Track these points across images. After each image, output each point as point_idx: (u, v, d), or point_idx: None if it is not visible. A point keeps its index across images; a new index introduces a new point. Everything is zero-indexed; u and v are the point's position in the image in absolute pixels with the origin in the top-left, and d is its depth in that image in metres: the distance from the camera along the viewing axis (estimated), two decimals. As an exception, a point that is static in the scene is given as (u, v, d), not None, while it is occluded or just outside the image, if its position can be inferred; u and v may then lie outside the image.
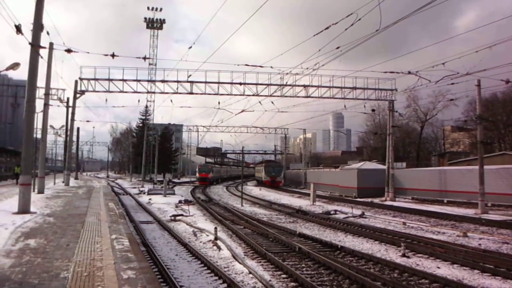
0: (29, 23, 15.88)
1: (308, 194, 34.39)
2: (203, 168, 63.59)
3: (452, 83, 24.81)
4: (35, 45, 15.68)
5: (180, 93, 34.25)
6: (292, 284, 9.42)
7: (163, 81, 34.15)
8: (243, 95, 34.06)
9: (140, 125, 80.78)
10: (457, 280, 9.56)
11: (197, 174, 62.92)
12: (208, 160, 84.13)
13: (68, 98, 39.83)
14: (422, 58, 36.97)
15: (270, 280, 9.60)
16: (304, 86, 34.10)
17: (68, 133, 42.57)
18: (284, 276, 10.07)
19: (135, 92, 34.46)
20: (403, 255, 12.28)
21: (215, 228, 15.41)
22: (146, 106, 70.88)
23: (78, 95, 36.53)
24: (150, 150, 61.90)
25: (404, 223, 19.70)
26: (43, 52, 18.68)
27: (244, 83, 33.58)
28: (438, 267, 11.00)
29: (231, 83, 33.56)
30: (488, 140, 39.02)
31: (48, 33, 19.18)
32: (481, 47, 19.11)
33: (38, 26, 15.97)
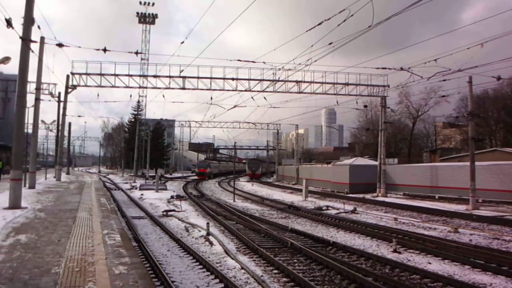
0: (19, 16, 15.74)
1: (300, 190, 34.46)
2: (201, 164, 69.03)
3: (444, 80, 24.91)
4: (26, 40, 15.51)
5: (172, 88, 34.09)
6: (284, 279, 9.44)
7: (155, 76, 33.94)
8: (236, 90, 34.01)
9: (132, 120, 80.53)
10: (448, 276, 9.64)
11: (196, 169, 68.32)
12: (201, 155, 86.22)
13: (59, 93, 39.64)
14: (424, 53, 36.86)
15: (262, 276, 9.62)
16: (297, 81, 34.06)
17: (60, 128, 42.24)
18: (276, 271, 10.09)
19: (127, 87, 34.19)
20: (395, 251, 12.36)
21: (207, 223, 15.43)
22: (138, 101, 70.82)
23: (69, 90, 36.21)
24: (142, 145, 61.74)
25: (395, 219, 19.82)
26: (34, 46, 18.49)
27: (237, 79, 33.48)
28: (429, 263, 11.09)
29: (224, 78, 33.43)
30: (479, 137, 39.23)
31: (39, 27, 19.04)
32: (473, 44, 19.23)
33: (29, 20, 15.80)
